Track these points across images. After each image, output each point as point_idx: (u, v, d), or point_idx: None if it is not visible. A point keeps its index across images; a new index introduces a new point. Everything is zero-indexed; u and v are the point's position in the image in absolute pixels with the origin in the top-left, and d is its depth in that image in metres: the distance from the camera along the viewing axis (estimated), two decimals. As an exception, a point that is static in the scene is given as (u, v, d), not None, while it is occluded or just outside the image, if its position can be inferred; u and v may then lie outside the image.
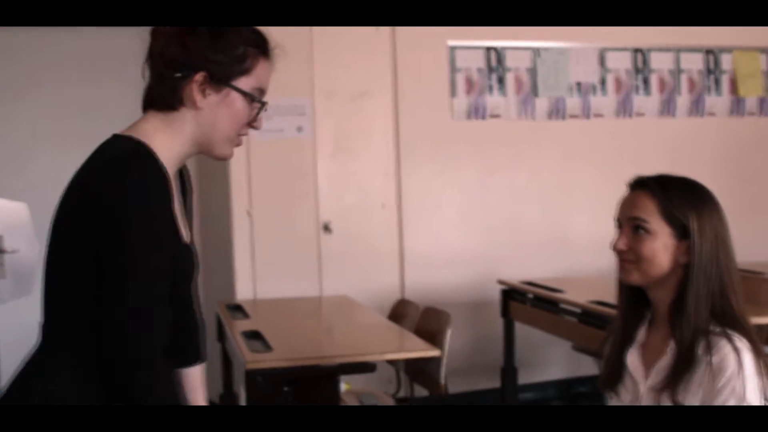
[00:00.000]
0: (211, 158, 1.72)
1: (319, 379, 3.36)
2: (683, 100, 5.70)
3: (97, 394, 1.54)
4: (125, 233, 1.49)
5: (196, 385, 1.89)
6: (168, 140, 1.63)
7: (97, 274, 1.51)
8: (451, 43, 5.23)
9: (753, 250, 5.07)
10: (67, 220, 1.58)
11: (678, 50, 5.66)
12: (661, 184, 1.87)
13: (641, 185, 1.89)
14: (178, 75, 1.61)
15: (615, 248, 1.88)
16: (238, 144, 1.71)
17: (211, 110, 1.63)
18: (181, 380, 1.85)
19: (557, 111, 5.46)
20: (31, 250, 4.76)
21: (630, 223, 1.87)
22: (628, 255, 1.86)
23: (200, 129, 1.65)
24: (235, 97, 1.64)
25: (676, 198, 1.84)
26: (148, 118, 1.65)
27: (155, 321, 1.52)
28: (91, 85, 4.97)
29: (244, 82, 1.65)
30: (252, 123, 1.69)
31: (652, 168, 1.94)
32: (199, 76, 1.61)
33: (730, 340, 1.76)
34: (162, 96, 1.63)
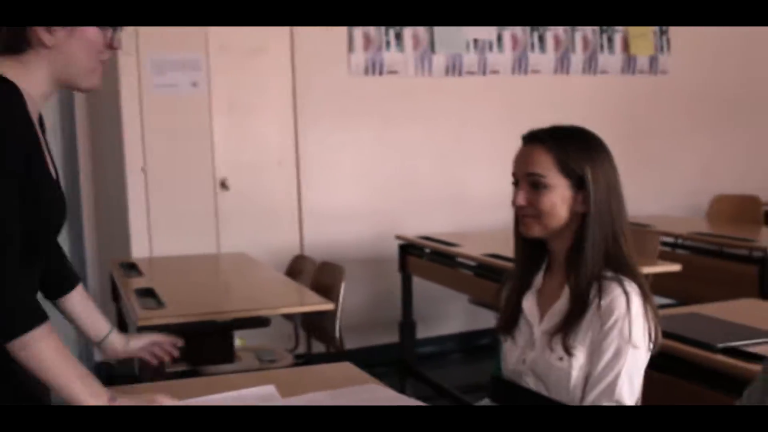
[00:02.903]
0: (78, 92, 1.69)
1: (213, 334, 3.34)
2: (577, 58, 5.81)
3: None
4: None
5: (86, 302, 1.92)
6: (25, 81, 1.56)
7: None
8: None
9: (640, 204, 5.24)
10: None
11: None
12: (554, 136, 1.89)
13: (535, 139, 1.90)
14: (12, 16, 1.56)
15: (515, 204, 1.91)
16: (103, 71, 1.65)
17: (63, 46, 1.58)
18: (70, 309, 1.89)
19: (454, 67, 5.48)
20: None
21: (527, 179, 1.89)
22: (528, 210, 1.89)
23: (56, 66, 1.59)
24: (84, 27, 1.59)
25: (571, 150, 1.87)
26: (1, 62, 1.58)
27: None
28: None
29: None
30: (112, 46, 1.64)
31: (545, 124, 1.96)
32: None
33: (621, 284, 1.82)
34: (8, 41, 1.57)
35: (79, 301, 1.93)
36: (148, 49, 4.66)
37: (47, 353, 1.47)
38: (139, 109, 4.71)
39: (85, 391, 1.50)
